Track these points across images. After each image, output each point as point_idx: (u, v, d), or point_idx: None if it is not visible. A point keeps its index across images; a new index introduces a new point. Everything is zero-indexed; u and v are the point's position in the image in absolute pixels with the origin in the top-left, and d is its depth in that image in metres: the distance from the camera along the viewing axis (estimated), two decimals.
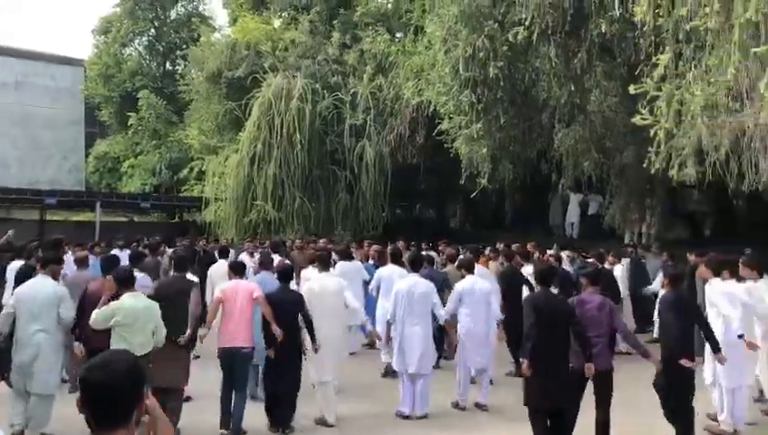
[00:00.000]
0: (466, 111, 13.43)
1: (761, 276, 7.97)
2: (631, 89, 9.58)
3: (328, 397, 7.34)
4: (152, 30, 33.78)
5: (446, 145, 15.18)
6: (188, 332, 6.71)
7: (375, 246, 13.16)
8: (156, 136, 29.66)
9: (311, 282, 7.72)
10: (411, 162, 19.67)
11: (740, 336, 6.72)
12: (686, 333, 6.49)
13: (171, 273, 8.05)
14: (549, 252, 13.75)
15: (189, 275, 7.52)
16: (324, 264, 7.83)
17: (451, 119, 14.30)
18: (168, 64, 34.77)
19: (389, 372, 8.94)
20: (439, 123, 15.03)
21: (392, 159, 19.52)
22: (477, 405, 7.99)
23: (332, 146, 19.82)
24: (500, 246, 13.17)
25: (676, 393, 6.31)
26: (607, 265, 11.71)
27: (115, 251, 12.50)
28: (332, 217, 19.91)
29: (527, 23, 11.39)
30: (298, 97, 19.01)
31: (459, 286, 8.08)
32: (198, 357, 7.84)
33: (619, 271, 12.37)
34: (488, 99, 12.97)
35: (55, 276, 6.96)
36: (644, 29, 9.39)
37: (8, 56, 31.30)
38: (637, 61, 10.35)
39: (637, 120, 9.31)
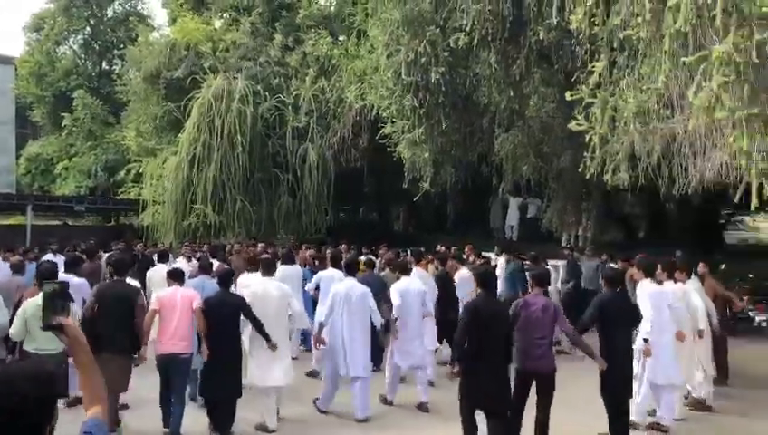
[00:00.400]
0: (409, 115, 13.52)
1: (689, 278, 8.33)
2: (568, 95, 9.80)
3: (269, 402, 7.26)
4: (88, 28, 32.87)
5: (389, 149, 15.24)
6: (143, 346, 6.75)
7: (310, 251, 13.13)
8: (91, 137, 28.84)
9: (253, 286, 7.60)
10: (354, 165, 19.66)
11: (645, 340, 6.93)
12: (623, 333, 6.69)
13: (108, 278, 7.84)
14: (491, 255, 14.00)
15: (129, 280, 7.41)
16: (269, 268, 7.74)
17: (394, 123, 14.36)
18: (104, 64, 33.90)
19: (314, 374, 9.19)
20: (382, 127, 15.07)
21: (335, 162, 19.48)
22: (420, 405, 8.06)
23: (274, 148, 19.63)
24: (441, 248, 13.35)
25: (612, 392, 6.50)
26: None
27: (49, 256, 12.09)
28: (275, 221, 19.71)
29: (468, 29, 11.52)
30: (239, 99, 18.76)
31: (395, 287, 8.24)
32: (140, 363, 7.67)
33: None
34: (430, 103, 13.08)
35: None
36: (580, 37, 9.65)
37: None
38: (573, 68, 10.60)
39: (573, 125, 9.53)
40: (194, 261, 10.44)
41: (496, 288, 8.80)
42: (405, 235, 22.97)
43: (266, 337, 6.97)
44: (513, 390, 6.20)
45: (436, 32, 12.26)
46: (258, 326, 6.98)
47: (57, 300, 2.29)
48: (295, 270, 10.15)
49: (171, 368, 6.82)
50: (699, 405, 8.14)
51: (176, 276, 7.24)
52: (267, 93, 19.60)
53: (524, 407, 6.31)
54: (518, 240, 19.10)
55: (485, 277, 6.41)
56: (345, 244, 14.74)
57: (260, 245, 14.62)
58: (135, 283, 7.75)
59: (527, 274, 11.36)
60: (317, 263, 11.70)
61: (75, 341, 2.34)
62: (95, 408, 2.38)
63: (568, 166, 13.62)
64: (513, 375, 6.28)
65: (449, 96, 13.32)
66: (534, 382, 6.32)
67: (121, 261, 7.46)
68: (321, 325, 7.69)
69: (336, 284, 8.13)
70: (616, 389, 6.45)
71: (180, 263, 11.18)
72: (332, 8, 21.69)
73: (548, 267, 11.86)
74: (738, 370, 9.49)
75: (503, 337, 6.03)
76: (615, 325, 6.48)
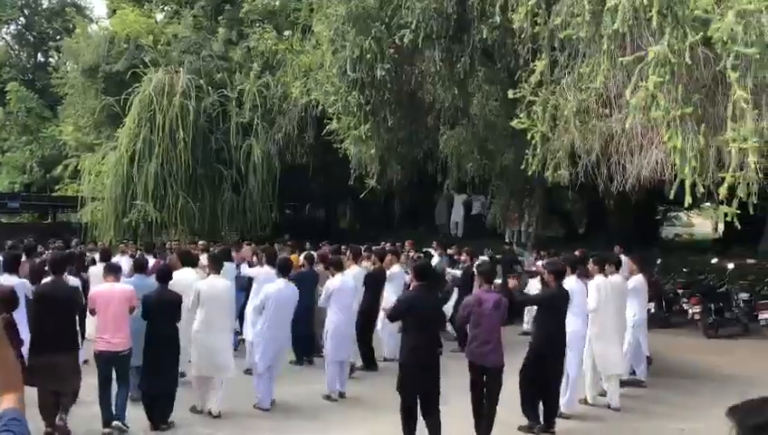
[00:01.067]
0: (355, 111, 13.50)
1: (641, 272, 8.80)
2: (510, 93, 9.99)
3: (210, 390, 7.48)
4: (22, 18, 31.69)
5: (335, 145, 15.20)
6: (82, 343, 6.86)
7: (251, 247, 13.03)
8: (27, 131, 27.85)
9: (202, 282, 7.72)
10: (300, 162, 19.53)
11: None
12: (560, 326, 6.91)
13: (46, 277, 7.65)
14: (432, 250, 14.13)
15: (71, 279, 7.42)
16: (217, 265, 7.89)
17: (339, 119, 14.32)
18: (39, 56, 32.74)
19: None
20: (328, 123, 15.01)
21: (280, 159, 19.30)
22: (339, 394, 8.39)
23: (218, 144, 19.30)
24: (387, 245, 13.46)
25: (541, 384, 6.70)
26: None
27: None
28: (218, 218, 19.39)
29: (413, 26, 11.58)
30: (181, 93, 18.37)
31: (329, 284, 8.54)
32: (87, 361, 7.61)
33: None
34: (376, 100, 13.10)
35: None
36: (522, 36, 9.80)
37: None
38: (516, 67, 10.77)
39: (515, 123, 9.71)
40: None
41: (435, 282, 9.16)
42: (351, 232, 22.96)
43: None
44: (470, 385, 6.40)
45: (382, 28, 12.27)
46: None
47: None
48: (231, 267, 10.14)
49: (113, 364, 6.86)
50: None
51: (113, 270, 7.28)
52: (210, 88, 19.28)
53: (481, 401, 6.43)
54: (463, 237, 19.32)
55: (422, 270, 6.62)
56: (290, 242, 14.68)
57: (200, 242, 14.35)
58: (75, 281, 7.72)
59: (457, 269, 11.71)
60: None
61: None
62: (11, 395, 2.18)
63: (511, 163, 13.85)
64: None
65: (395, 93, 13.36)
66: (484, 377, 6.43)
67: (58, 259, 7.27)
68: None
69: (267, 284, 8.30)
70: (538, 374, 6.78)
71: (123, 261, 10.99)
72: (277, 3, 21.42)
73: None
74: (661, 360, 9.84)
75: (434, 329, 6.28)
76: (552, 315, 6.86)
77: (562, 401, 7.31)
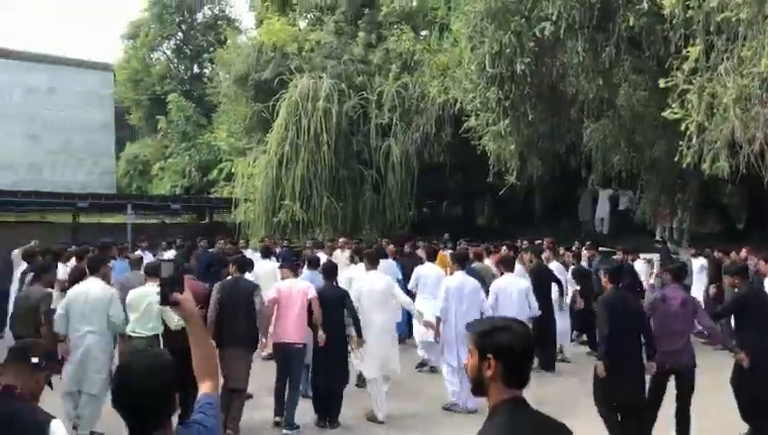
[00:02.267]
0: (493, 107, 13.38)
1: None
2: (661, 83, 9.49)
3: (378, 393, 7.47)
4: (180, 34, 34.21)
5: (472, 142, 15.13)
6: (263, 339, 7.13)
7: (390, 247, 13.21)
8: (185, 138, 30.00)
9: (362, 281, 7.87)
10: (438, 160, 19.62)
11: None
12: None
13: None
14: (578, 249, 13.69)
15: (248, 276, 7.82)
16: (373, 261, 8.01)
17: (478, 116, 14.24)
18: (195, 67, 35.18)
19: (425, 365, 9.56)
20: (466, 121, 14.98)
21: (418, 158, 19.49)
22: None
23: (359, 146, 19.87)
24: (524, 243, 13.30)
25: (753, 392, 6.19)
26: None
27: (138, 252, 12.69)
28: (359, 217, 19.96)
29: (554, 18, 11.30)
30: (324, 98, 19.08)
31: (495, 285, 8.34)
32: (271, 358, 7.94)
33: (640, 266, 12.31)
34: (515, 95, 12.90)
35: (105, 278, 7.23)
36: (673, 22, 9.28)
37: (41, 63, 31.92)
38: (666, 54, 10.20)
39: (667, 113, 9.22)
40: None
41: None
42: (490, 229, 22.75)
43: (359, 333, 7.22)
44: (649, 385, 6.07)
45: (522, 22, 12.07)
46: (356, 321, 7.24)
47: (172, 283, 2.50)
48: (389, 263, 10.38)
49: (287, 357, 7.14)
50: None
51: (292, 268, 7.68)
52: (351, 91, 19.84)
53: (661, 403, 6.16)
54: (609, 233, 18.55)
55: (615, 272, 6.29)
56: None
57: (340, 239, 14.77)
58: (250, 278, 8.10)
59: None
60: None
61: (191, 314, 2.48)
62: (207, 382, 2.47)
63: (662, 156, 13.15)
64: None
65: (535, 87, 13.11)
66: (674, 378, 6.16)
67: (243, 260, 7.87)
68: (439, 320, 7.85)
69: (442, 279, 8.36)
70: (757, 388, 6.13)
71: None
72: (414, 3, 21.66)
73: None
74: None
75: (636, 332, 5.92)
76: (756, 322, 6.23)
77: None
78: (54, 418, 3.05)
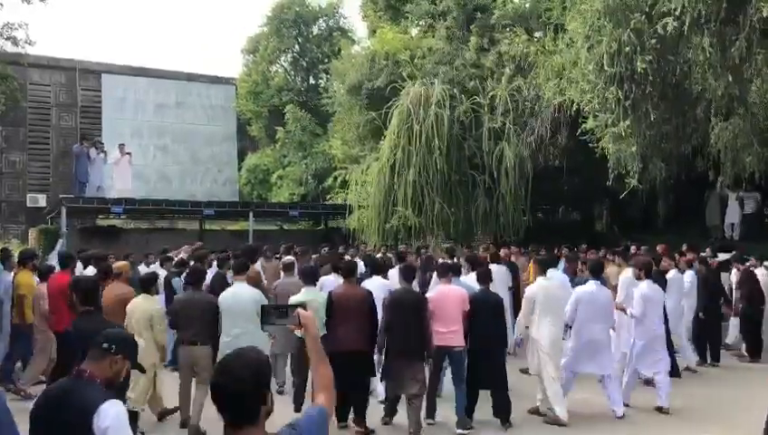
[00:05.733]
0: (613, 108, 12.87)
1: None
2: None
3: (556, 391, 7.74)
4: (296, 46, 35.30)
5: (590, 145, 14.63)
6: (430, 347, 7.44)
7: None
8: (302, 148, 30.92)
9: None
10: (553, 164, 19.14)
11: None
12: None
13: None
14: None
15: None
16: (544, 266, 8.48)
17: (596, 117, 13.76)
18: (311, 79, 36.18)
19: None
20: (583, 123, 14.50)
21: (532, 162, 19.06)
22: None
23: (471, 150, 19.70)
24: (633, 249, 12.98)
25: None
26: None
27: (291, 257, 13.09)
28: (472, 222, 19.78)
29: (677, 13, 10.75)
30: (436, 103, 19.09)
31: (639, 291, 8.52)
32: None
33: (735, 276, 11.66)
34: (636, 94, 12.37)
35: (253, 282, 7.83)
36: None
37: (170, 79, 33.99)
38: None
39: None
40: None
41: None
42: (608, 235, 21.90)
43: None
44: None
45: (642, 19, 11.56)
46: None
47: (273, 312, 2.73)
48: (502, 269, 10.50)
49: (448, 359, 7.59)
50: None
51: (446, 273, 8.02)
52: (463, 96, 19.74)
53: None
54: (739, 239, 17.37)
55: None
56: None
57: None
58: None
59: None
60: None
61: (307, 330, 2.57)
62: (321, 396, 2.57)
63: None
64: None
65: (657, 86, 12.51)
66: None
67: (377, 263, 8.34)
68: (568, 326, 8.11)
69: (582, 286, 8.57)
70: None
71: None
72: (527, 5, 21.28)
73: None
74: None
75: None
76: None
77: None
78: (111, 399, 3.21)
